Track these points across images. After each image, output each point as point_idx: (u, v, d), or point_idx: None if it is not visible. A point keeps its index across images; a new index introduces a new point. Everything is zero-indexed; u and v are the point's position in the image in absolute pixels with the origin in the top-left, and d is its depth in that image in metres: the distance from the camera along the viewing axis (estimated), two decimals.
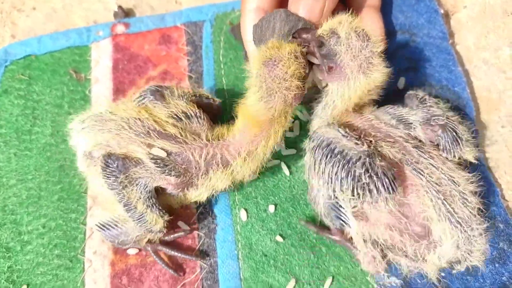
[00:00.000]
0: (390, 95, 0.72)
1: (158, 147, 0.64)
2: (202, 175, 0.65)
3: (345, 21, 0.64)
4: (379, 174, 0.57)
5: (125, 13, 0.95)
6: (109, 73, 0.88)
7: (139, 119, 0.65)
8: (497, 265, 0.69)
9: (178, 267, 0.72)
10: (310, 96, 0.71)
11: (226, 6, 0.92)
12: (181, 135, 0.65)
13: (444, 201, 0.58)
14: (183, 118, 0.67)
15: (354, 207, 0.61)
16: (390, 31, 0.86)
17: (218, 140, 0.67)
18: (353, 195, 0.58)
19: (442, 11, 0.88)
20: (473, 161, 0.65)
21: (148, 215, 0.64)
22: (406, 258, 0.63)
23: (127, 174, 0.63)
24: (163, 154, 0.64)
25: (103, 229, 0.68)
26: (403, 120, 0.65)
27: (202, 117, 0.68)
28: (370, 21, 0.77)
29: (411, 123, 0.64)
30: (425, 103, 0.66)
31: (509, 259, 0.69)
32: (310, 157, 0.63)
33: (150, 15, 0.93)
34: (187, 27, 0.91)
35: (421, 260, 0.61)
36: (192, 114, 0.68)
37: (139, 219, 0.64)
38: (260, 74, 0.62)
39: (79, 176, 0.78)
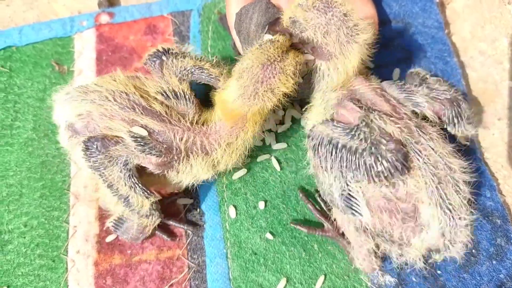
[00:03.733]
0: None
1: (141, 124, 0.63)
2: (182, 159, 0.65)
3: (299, 2, 0.62)
4: (389, 159, 0.56)
5: (110, 2, 0.93)
6: (92, 65, 0.86)
7: (125, 92, 0.64)
8: (494, 262, 0.67)
9: (165, 267, 0.70)
10: (300, 93, 0.69)
11: None
12: (166, 114, 0.64)
13: (438, 185, 0.57)
14: (171, 97, 0.66)
15: (365, 194, 0.59)
16: (383, 20, 0.84)
17: (202, 125, 0.66)
18: (369, 183, 0.58)
19: (437, 0, 0.87)
20: (468, 138, 0.66)
21: (132, 197, 0.63)
22: (393, 244, 0.61)
23: (106, 154, 0.62)
24: (144, 133, 0.63)
25: (116, 228, 0.69)
26: (412, 97, 0.64)
27: (191, 100, 0.67)
28: (362, 9, 0.74)
29: (419, 102, 0.63)
30: (428, 81, 0.65)
31: (506, 256, 0.67)
32: (314, 155, 0.62)
33: (135, 4, 0.91)
34: (174, 16, 0.89)
35: (406, 244, 0.60)
36: (182, 94, 0.66)
37: (126, 202, 0.63)
38: (251, 74, 0.60)
39: (62, 172, 0.77)
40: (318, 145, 0.60)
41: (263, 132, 0.75)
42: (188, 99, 0.67)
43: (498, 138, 0.79)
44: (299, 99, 0.71)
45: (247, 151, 0.68)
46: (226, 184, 0.75)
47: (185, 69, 0.68)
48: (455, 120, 0.63)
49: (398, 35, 0.84)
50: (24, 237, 0.72)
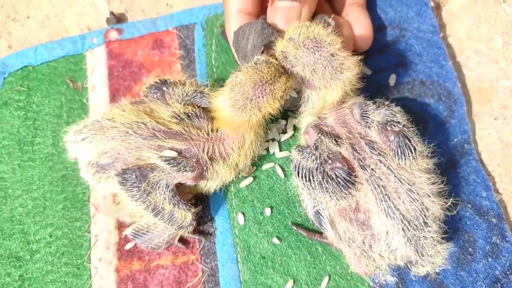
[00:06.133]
0: (381, 92, 0.73)
1: (168, 147, 0.65)
2: (209, 168, 0.67)
3: (291, 35, 0.64)
4: (333, 176, 0.60)
5: (117, 18, 0.94)
6: (105, 81, 0.87)
7: (142, 122, 0.66)
8: (490, 259, 0.69)
9: (181, 271, 0.73)
10: (291, 103, 0.72)
11: (216, 7, 0.90)
12: (186, 131, 0.66)
13: (386, 196, 0.59)
14: (185, 118, 0.68)
15: (336, 205, 0.63)
16: (379, 27, 0.85)
17: (217, 132, 0.68)
18: (329, 198, 0.61)
19: (432, 4, 0.87)
20: (428, 168, 0.64)
21: (176, 212, 0.65)
22: (362, 250, 0.63)
23: (147, 181, 0.64)
24: (174, 154, 0.65)
25: (136, 237, 0.70)
26: (364, 117, 0.66)
27: (202, 116, 0.69)
28: (356, 19, 0.76)
29: (368, 122, 0.65)
30: (390, 108, 0.66)
31: (501, 253, 0.69)
32: (293, 176, 0.66)
33: (142, 20, 0.91)
34: (179, 30, 0.89)
35: (369, 250, 0.62)
36: (193, 114, 0.69)
37: (169, 219, 0.65)
38: (242, 90, 0.63)
39: (82, 185, 0.79)
40: (294, 168, 0.65)
41: (267, 141, 0.78)
42: (199, 116, 0.69)
43: (494, 137, 0.80)
44: (299, 112, 0.73)
45: (258, 149, 0.71)
46: (234, 192, 0.76)
47: (187, 95, 0.71)
48: (401, 153, 0.62)
49: (394, 40, 0.84)
50: (50, 247, 0.74)
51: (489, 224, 0.71)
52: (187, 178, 0.66)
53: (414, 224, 0.59)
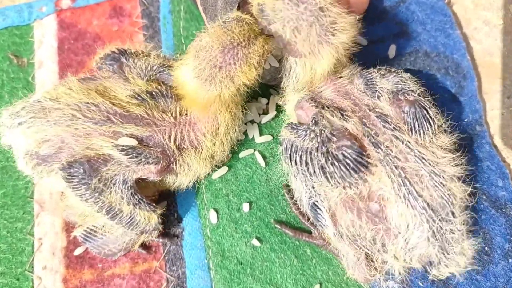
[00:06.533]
0: (379, 65, 0.64)
1: (125, 134, 0.58)
2: (178, 160, 0.62)
3: None
4: (340, 158, 0.54)
5: None
6: (54, 55, 0.81)
7: (93, 103, 0.59)
8: (510, 260, 0.62)
9: (141, 281, 0.66)
10: (271, 75, 0.66)
11: None
12: (148, 115, 0.60)
13: (405, 180, 0.52)
14: (147, 99, 0.61)
15: (340, 195, 0.56)
16: None
17: (186, 115, 0.63)
18: (332, 185, 0.55)
19: None
20: (449, 147, 0.58)
21: (138, 214, 0.59)
22: (370, 249, 0.57)
23: (99, 177, 0.57)
24: (133, 142, 0.58)
25: (87, 240, 0.64)
26: (371, 86, 0.59)
27: (169, 95, 0.63)
28: None
29: (376, 91, 0.58)
30: (400, 74, 0.60)
31: None
32: (284, 161, 0.60)
33: None
34: None
35: (381, 250, 0.56)
36: (158, 93, 0.62)
37: (129, 222, 0.59)
38: (209, 55, 0.55)
39: (24, 179, 0.72)
40: (284, 151, 0.59)
41: (245, 123, 0.72)
42: (166, 95, 0.63)
43: (508, 118, 0.72)
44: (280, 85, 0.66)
45: (236, 134, 0.66)
46: (205, 184, 0.71)
47: (151, 69, 0.64)
48: (418, 126, 0.56)
49: (393, 6, 0.78)
50: None
51: (507, 218, 0.64)
52: (150, 172, 0.59)
53: (440, 215, 0.52)
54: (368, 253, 0.57)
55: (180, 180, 0.64)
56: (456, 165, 0.55)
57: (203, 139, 0.62)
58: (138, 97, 0.61)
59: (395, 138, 0.54)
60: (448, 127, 0.59)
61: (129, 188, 0.58)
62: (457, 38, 0.75)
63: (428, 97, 0.59)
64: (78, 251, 0.67)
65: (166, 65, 0.65)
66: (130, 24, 0.82)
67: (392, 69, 0.60)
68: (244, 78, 0.56)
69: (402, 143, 0.54)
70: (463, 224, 0.53)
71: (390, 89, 0.58)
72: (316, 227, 0.62)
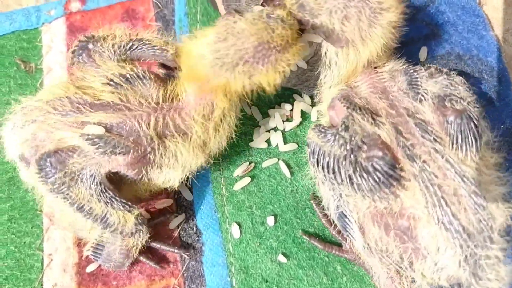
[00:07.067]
0: None
1: (94, 122, 0.56)
2: (158, 149, 0.57)
3: None
4: (370, 170, 0.50)
5: None
6: (63, 61, 0.80)
7: (66, 96, 0.57)
8: None
9: None
10: (298, 78, 0.64)
11: None
12: (121, 101, 0.57)
13: (441, 200, 0.48)
14: (122, 83, 0.58)
15: (369, 208, 0.53)
16: None
17: (172, 102, 0.59)
18: (360, 197, 0.52)
19: None
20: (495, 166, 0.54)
21: (111, 214, 0.56)
22: (397, 267, 0.54)
23: (65, 171, 0.54)
24: (100, 131, 0.55)
25: (97, 256, 0.63)
26: (414, 86, 0.55)
27: (146, 77, 0.58)
28: None
29: (419, 93, 0.54)
30: (451, 77, 0.56)
31: None
32: (310, 166, 0.57)
33: None
34: None
35: (408, 268, 0.52)
36: (134, 76, 0.58)
37: (104, 223, 0.57)
38: (240, 44, 0.53)
39: (33, 190, 0.68)
40: (311, 155, 0.56)
41: (268, 131, 0.70)
42: (143, 78, 0.58)
43: None
44: (309, 90, 0.66)
45: (235, 124, 0.62)
46: (226, 196, 0.69)
47: (119, 48, 0.60)
48: (461, 141, 0.51)
49: (422, 7, 0.76)
50: None
51: None
52: (118, 164, 0.56)
53: (477, 240, 0.48)
54: (399, 270, 0.54)
55: (168, 174, 0.60)
56: (501, 185, 0.51)
57: (192, 123, 0.59)
58: (112, 83, 0.58)
59: (434, 151, 0.50)
60: (494, 142, 0.55)
61: (98, 184, 0.55)
62: (491, 40, 0.72)
63: (478, 107, 0.54)
64: (90, 268, 0.65)
65: (134, 39, 0.61)
66: (144, 28, 0.81)
67: (444, 70, 0.56)
68: (263, 80, 0.54)
69: (442, 157, 0.50)
70: (502, 250, 0.49)
71: (436, 93, 0.54)
72: (347, 240, 0.60)
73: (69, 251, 0.66)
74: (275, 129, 0.71)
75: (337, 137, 0.53)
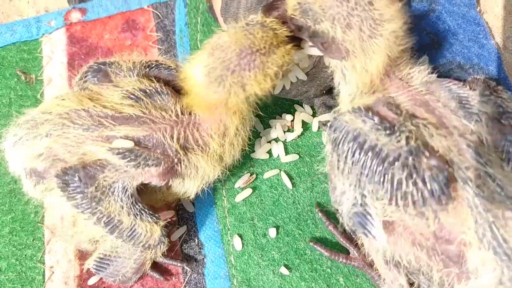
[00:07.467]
0: None
1: (121, 136, 0.55)
2: (183, 161, 0.58)
3: None
4: (426, 179, 0.46)
5: None
6: (64, 71, 0.79)
7: (83, 109, 0.56)
8: None
9: None
10: (298, 90, 0.64)
11: None
12: (144, 114, 0.57)
13: (493, 225, 0.46)
14: (142, 97, 0.58)
15: (386, 216, 0.51)
16: (404, 0, 0.74)
17: (190, 114, 0.59)
18: (390, 204, 0.49)
19: None
20: None
21: (139, 226, 0.56)
22: (432, 285, 0.52)
23: (96, 185, 0.54)
24: (129, 144, 0.55)
25: (100, 270, 0.62)
26: (466, 105, 0.53)
27: (164, 92, 0.59)
28: None
29: (475, 113, 0.52)
30: (499, 94, 0.54)
31: None
32: (332, 151, 0.53)
33: None
34: (155, 8, 0.83)
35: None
36: (153, 90, 0.59)
37: (130, 236, 0.56)
38: (224, 55, 0.53)
39: (34, 202, 0.68)
40: (341, 139, 0.52)
41: (269, 142, 0.70)
42: (161, 92, 0.59)
43: None
44: (309, 100, 0.66)
45: (247, 135, 0.62)
46: (228, 208, 0.68)
47: (137, 66, 0.61)
48: None
49: (423, 15, 0.76)
50: None
51: None
52: (151, 175, 0.56)
53: None
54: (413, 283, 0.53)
55: (188, 185, 0.61)
56: None
57: (209, 140, 0.59)
58: (132, 97, 0.58)
59: (486, 175, 0.47)
60: None
61: (130, 196, 0.55)
62: (492, 49, 0.72)
63: None
64: (92, 281, 0.64)
65: (150, 60, 0.62)
66: (144, 38, 0.81)
67: (490, 84, 0.55)
68: (256, 88, 0.53)
69: (494, 181, 0.47)
70: None
71: (491, 113, 0.52)
72: (357, 244, 0.58)
73: (71, 263, 0.66)
74: (276, 139, 0.71)
75: (398, 131, 0.49)
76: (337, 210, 0.58)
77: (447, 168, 0.47)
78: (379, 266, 0.55)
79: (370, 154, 0.49)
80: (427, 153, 0.47)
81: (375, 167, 0.49)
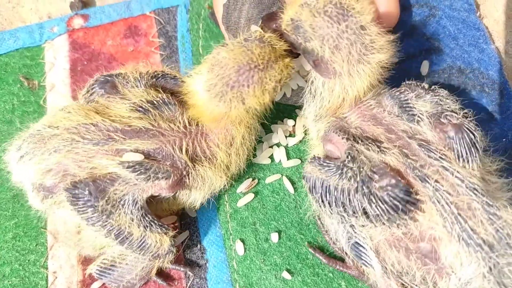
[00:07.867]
0: None
1: (130, 150, 0.56)
2: (191, 173, 0.58)
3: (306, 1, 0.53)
4: (386, 199, 0.49)
5: (84, 3, 0.86)
6: (66, 78, 0.79)
7: (92, 123, 0.56)
8: None
9: None
10: (299, 96, 0.63)
11: None
12: (153, 126, 0.58)
13: (459, 216, 0.48)
14: (150, 109, 0.59)
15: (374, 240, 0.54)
16: (405, 5, 0.77)
17: (197, 125, 0.60)
18: (377, 227, 0.51)
19: None
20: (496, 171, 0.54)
21: (149, 237, 0.56)
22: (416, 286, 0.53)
23: (106, 198, 0.54)
24: (139, 157, 0.55)
25: (103, 275, 0.61)
26: (407, 108, 0.55)
27: (172, 102, 0.60)
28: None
29: (415, 114, 0.54)
30: (437, 93, 0.56)
31: None
32: (312, 199, 0.56)
33: (112, 3, 0.84)
34: (157, 15, 0.83)
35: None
36: (160, 101, 0.59)
37: (140, 246, 0.56)
38: (223, 72, 0.53)
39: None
40: (313, 188, 0.55)
41: (271, 147, 0.70)
42: (169, 103, 0.59)
43: None
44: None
45: (252, 144, 0.64)
46: (230, 213, 0.68)
47: (144, 77, 0.62)
48: (466, 153, 0.51)
49: (423, 21, 0.76)
50: None
51: None
52: (161, 188, 0.56)
53: (497, 249, 0.47)
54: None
55: (194, 195, 0.61)
56: (507, 190, 0.51)
57: (216, 150, 0.60)
58: (140, 109, 0.58)
59: (443, 169, 0.49)
60: (489, 148, 0.55)
61: (140, 208, 0.55)
62: (492, 53, 0.72)
63: (469, 117, 0.54)
64: (95, 286, 0.64)
65: (157, 71, 0.63)
66: (146, 44, 0.81)
67: (426, 86, 0.56)
68: (255, 102, 0.54)
69: (452, 174, 0.49)
70: None
71: (430, 112, 0.53)
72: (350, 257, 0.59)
73: (74, 268, 0.66)
74: (278, 144, 0.71)
75: (345, 169, 0.51)
76: (339, 249, 0.61)
77: (399, 181, 0.48)
78: (374, 276, 0.56)
79: (336, 194, 0.52)
80: (376, 177, 0.49)
81: (346, 202, 0.51)
